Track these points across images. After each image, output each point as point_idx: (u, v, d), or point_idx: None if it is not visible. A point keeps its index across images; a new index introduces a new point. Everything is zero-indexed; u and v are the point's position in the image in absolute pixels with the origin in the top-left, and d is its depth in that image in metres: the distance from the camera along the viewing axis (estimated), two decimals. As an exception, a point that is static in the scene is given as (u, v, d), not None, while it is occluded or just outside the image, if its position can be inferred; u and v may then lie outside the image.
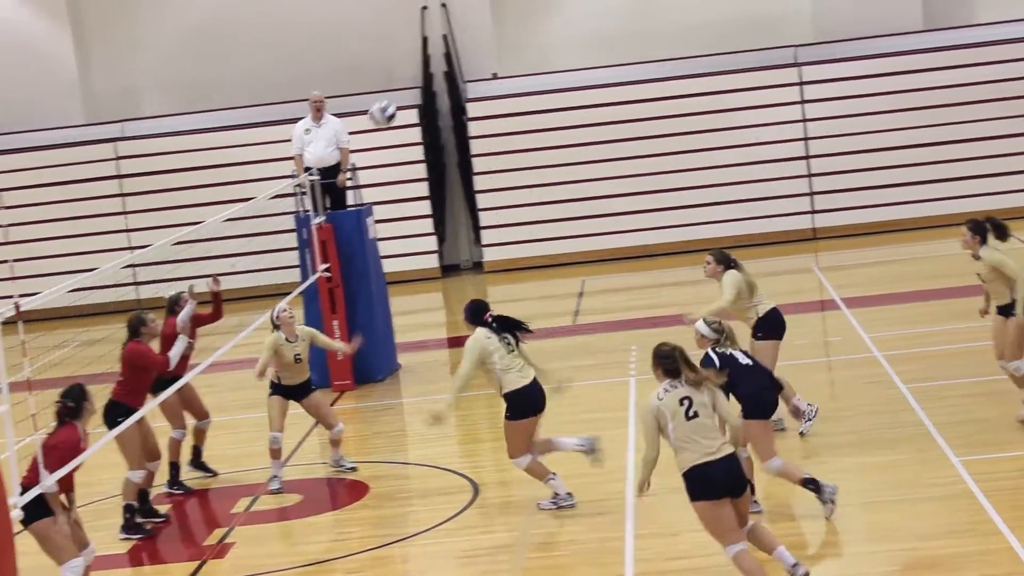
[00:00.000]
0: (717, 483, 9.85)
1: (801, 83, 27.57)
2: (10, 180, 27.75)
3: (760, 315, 14.11)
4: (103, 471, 14.54)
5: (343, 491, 14.14)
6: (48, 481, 10.19)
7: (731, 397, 11.20)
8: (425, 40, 28.56)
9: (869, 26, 27.61)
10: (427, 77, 28.55)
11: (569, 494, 12.78)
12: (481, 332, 12.78)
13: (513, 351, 12.80)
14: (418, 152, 28.11)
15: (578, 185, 27.86)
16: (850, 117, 27.41)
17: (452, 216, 29.13)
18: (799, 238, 27.58)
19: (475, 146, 28.06)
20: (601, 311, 23.23)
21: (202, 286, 14.46)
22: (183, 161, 28.14)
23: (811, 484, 11.68)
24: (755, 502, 11.71)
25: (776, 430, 13.26)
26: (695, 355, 10.65)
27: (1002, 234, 13.73)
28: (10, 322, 9.70)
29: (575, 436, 13.08)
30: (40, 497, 10.24)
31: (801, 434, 14.09)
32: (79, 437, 10.66)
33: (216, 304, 14.86)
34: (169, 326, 14.10)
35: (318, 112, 19.54)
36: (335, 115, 19.93)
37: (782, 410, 12.89)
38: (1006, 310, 13.63)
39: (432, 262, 28.33)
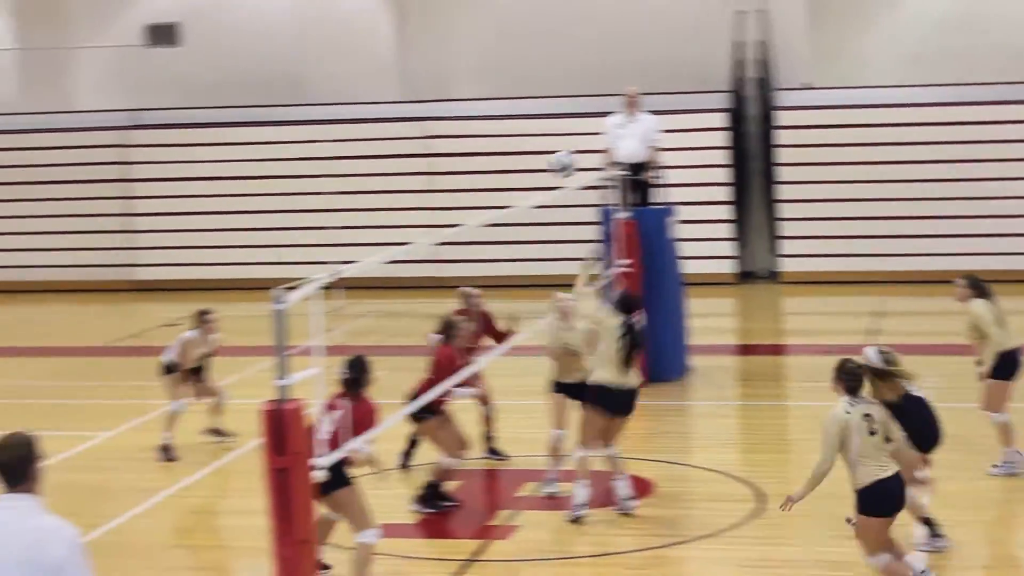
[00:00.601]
0: (895, 499, 10.24)
1: None
2: (329, 149, 28.53)
3: (1001, 351, 13.68)
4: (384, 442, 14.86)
5: (631, 487, 14.11)
6: (352, 445, 10.40)
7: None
8: (740, 44, 28.38)
9: None
10: (739, 82, 28.38)
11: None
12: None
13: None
14: (724, 156, 27.98)
15: (884, 203, 27.35)
16: None
17: (752, 223, 28.90)
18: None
19: (782, 155, 27.78)
20: (901, 333, 22.72)
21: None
22: (490, 145, 28.53)
23: (929, 524, 11.79)
24: (940, 536, 11.83)
25: None
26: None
27: None
28: (328, 288, 9.95)
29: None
30: (340, 465, 10.45)
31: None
32: (372, 408, 10.82)
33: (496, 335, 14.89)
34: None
35: (632, 108, 19.59)
36: (647, 112, 19.94)
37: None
38: None
39: (728, 267, 28.15)
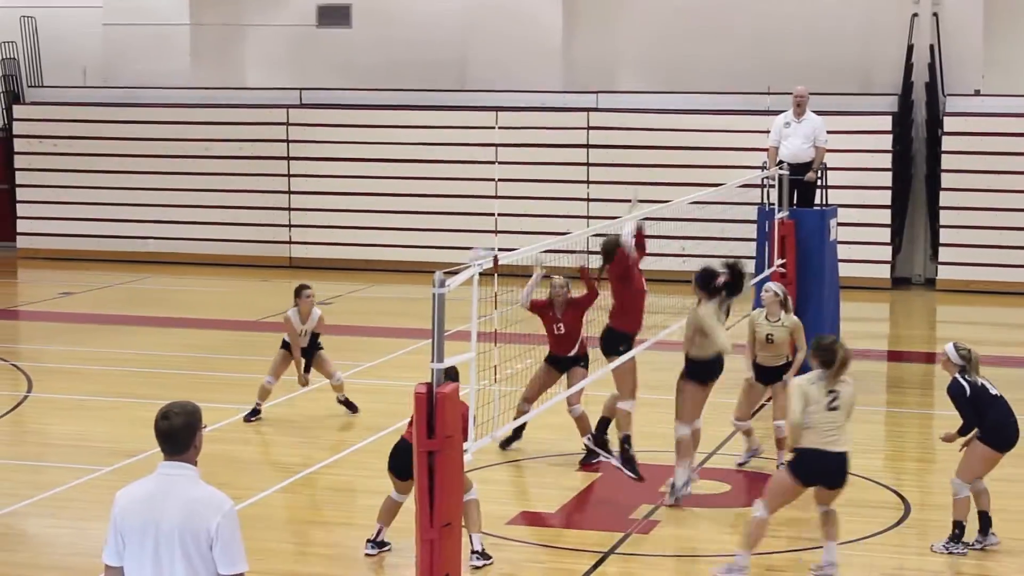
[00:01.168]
0: (826, 471, 11.02)
1: None
2: (490, 136, 28.71)
3: None
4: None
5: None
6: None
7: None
8: (911, 48, 28.03)
9: None
10: (907, 86, 28.03)
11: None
12: None
13: None
14: (887, 160, 27.66)
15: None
16: None
17: (911, 228, 28.56)
18: None
19: (947, 161, 27.40)
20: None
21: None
22: (651, 139, 28.50)
23: (986, 519, 12.14)
24: (992, 534, 12.19)
25: None
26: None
27: None
28: (487, 274, 10.06)
29: None
30: None
31: None
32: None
33: (588, 284, 14.83)
34: (535, 304, 14.81)
35: (799, 107, 19.49)
36: (814, 113, 19.83)
37: None
38: None
39: (884, 272, 27.85)
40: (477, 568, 11.36)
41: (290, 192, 30.54)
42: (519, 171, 28.49)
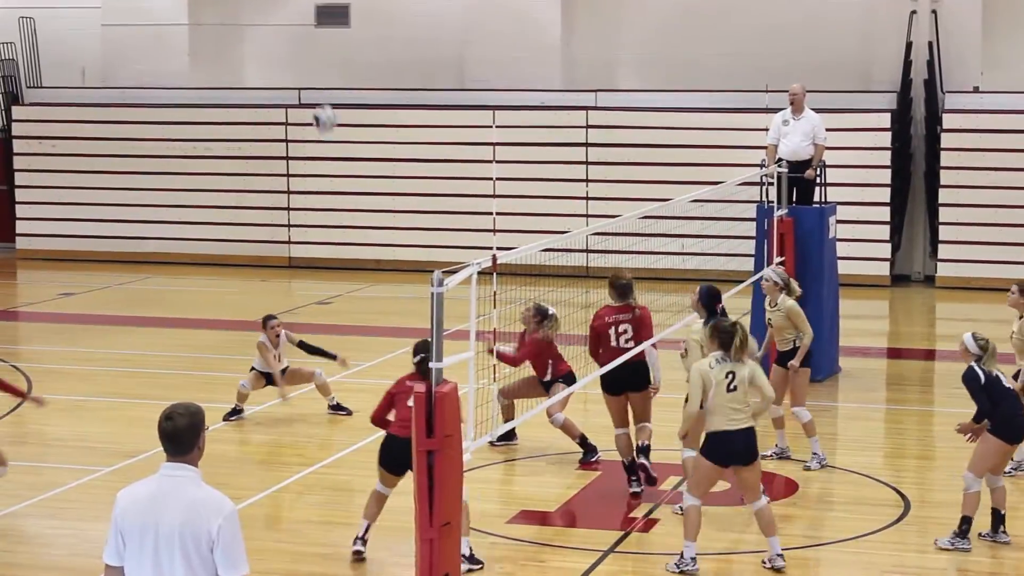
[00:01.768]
0: (735, 451, 11.31)
1: None
2: (489, 135, 28.72)
3: None
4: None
5: (773, 487, 14.09)
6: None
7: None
8: (909, 45, 28.02)
9: None
10: (906, 83, 28.03)
11: None
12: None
13: None
14: (886, 157, 27.66)
15: (1048, 211, 26.90)
16: None
17: (910, 226, 28.57)
18: None
19: (946, 158, 27.40)
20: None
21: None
22: (650, 137, 28.50)
23: (998, 516, 12.28)
24: (1003, 532, 12.28)
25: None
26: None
27: None
28: (485, 272, 10.06)
29: None
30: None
31: None
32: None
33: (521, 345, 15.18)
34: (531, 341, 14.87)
35: (797, 105, 19.48)
36: (812, 110, 19.82)
37: None
38: None
39: (883, 269, 27.85)
40: (467, 573, 11.34)
41: (289, 192, 30.55)
42: (518, 170, 28.49)
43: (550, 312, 14.86)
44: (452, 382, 9.18)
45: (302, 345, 16.87)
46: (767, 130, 19.88)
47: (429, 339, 10.82)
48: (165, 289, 27.74)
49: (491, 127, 27.33)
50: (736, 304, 15.94)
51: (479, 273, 9.78)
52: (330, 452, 15.49)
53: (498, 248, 10.56)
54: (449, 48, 30.51)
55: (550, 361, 14.93)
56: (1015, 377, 13.69)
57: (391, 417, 11.85)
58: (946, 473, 14.69)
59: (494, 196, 26.61)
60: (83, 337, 22.30)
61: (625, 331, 13.59)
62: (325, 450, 15.62)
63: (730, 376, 11.31)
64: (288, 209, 30.53)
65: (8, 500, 13.68)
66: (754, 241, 19.52)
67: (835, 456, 15.47)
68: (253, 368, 16.81)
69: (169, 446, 6.48)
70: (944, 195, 27.50)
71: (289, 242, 30.56)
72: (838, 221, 20.21)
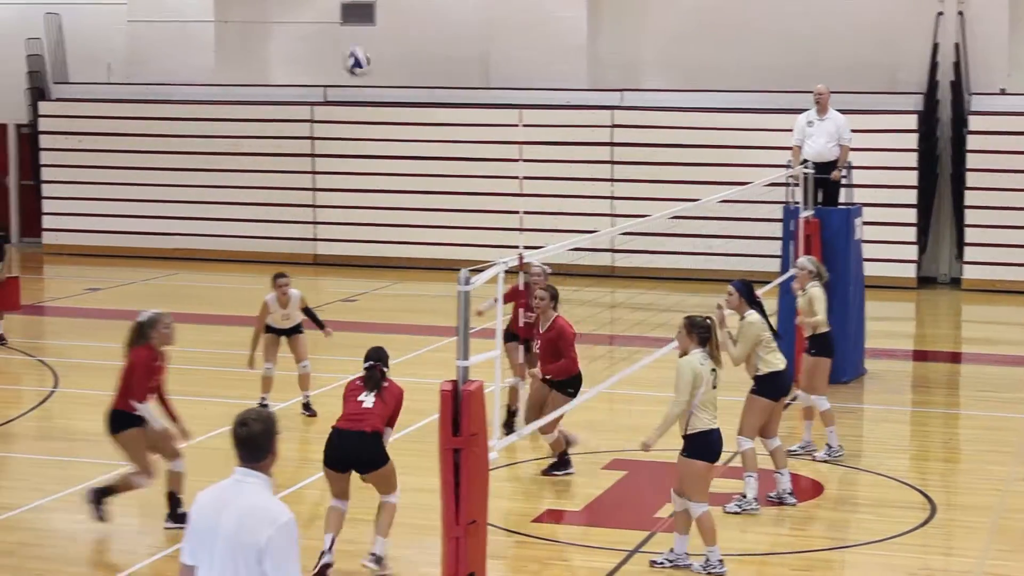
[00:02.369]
0: (718, 449, 11.44)
1: None
2: (513, 134, 28.72)
3: None
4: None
5: (800, 488, 14.06)
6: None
7: None
8: (935, 47, 27.95)
9: None
10: (932, 84, 27.95)
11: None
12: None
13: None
14: (912, 159, 27.57)
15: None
16: None
17: (937, 228, 28.48)
18: None
19: (972, 160, 27.31)
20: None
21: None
22: (676, 137, 28.45)
23: None
24: None
25: None
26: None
27: None
28: (511, 271, 10.08)
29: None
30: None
31: None
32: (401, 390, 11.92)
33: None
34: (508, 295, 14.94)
35: (821, 106, 19.44)
36: (837, 111, 19.78)
37: None
38: None
39: (909, 271, 27.75)
40: (366, 567, 11.36)
41: (315, 189, 30.59)
42: (543, 169, 28.48)
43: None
44: (479, 380, 9.19)
45: (306, 310, 16.98)
46: (792, 131, 19.85)
47: (381, 347, 11.13)
48: (191, 285, 27.79)
49: (517, 126, 27.34)
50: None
51: (506, 272, 9.80)
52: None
53: (524, 247, 10.58)
54: (474, 46, 30.51)
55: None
56: None
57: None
58: (972, 476, 14.67)
59: (520, 195, 26.60)
60: (109, 332, 22.31)
61: None
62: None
63: (713, 373, 11.44)
64: (314, 206, 30.58)
65: (35, 494, 13.75)
66: (780, 242, 19.48)
67: (860, 458, 15.46)
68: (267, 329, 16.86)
69: (243, 452, 6.42)
70: (970, 197, 27.41)
71: (315, 239, 30.61)
72: (864, 223, 20.17)
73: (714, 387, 11.40)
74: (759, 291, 15.01)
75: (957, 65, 27.78)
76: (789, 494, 13.54)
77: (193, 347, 21.06)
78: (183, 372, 19.24)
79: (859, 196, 21.20)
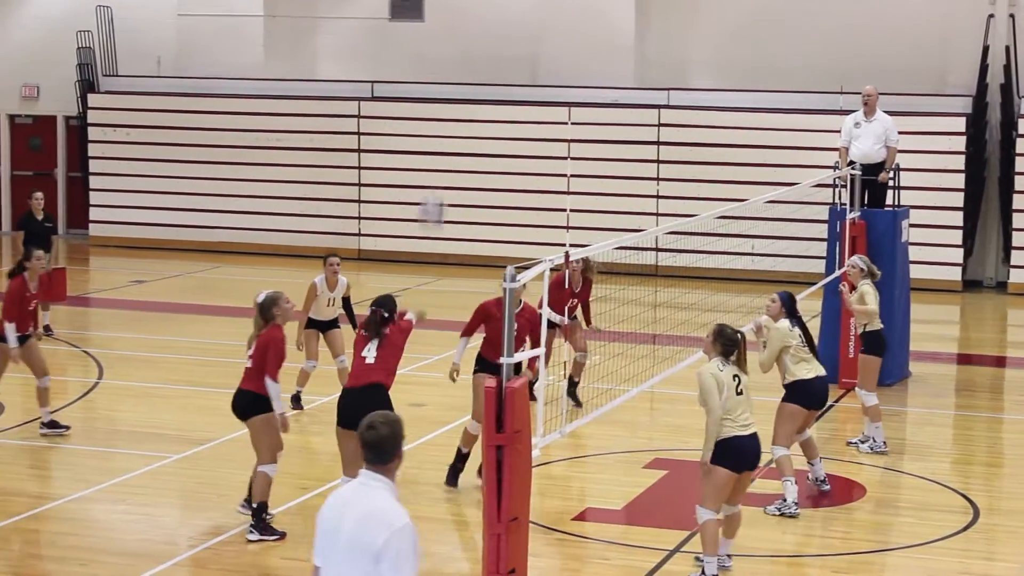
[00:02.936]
0: (746, 456, 11.10)
1: None
2: (560, 132, 28.70)
3: None
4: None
5: (842, 490, 14.02)
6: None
7: None
8: (986, 49, 27.79)
9: None
10: (982, 87, 27.79)
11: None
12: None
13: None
14: (960, 161, 27.42)
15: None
16: None
17: (983, 231, 28.32)
18: None
19: (1021, 164, 27.14)
20: None
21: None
22: (722, 137, 28.38)
23: None
24: None
25: None
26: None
27: None
28: (556, 269, 10.08)
29: None
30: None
31: None
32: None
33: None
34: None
35: (869, 107, 19.37)
36: (885, 113, 19.70)
37: None
38: None
39: (955, 274, 27.60)
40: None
41: (360, 184, 30.66)
42: (590, 167, 28.46)
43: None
44: (523, 377, 9.19)
45: (346, 301, 16.97)
46: (840, 132, 19.79)
47: (390, 295, 11.35)
48: (236, 278, 27.90)
49: (565, 124, 27.36)
50: (807, 306, 15.86)
51: (551, 270, 9.79)
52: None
53: (571, 245, 10.57)
54: (522, 44, 30.50)
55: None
56: None
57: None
58: (1015, 481, 14.58)
59: (567, 193, 26.60)
60: (154, 324, 22.48)
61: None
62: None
63: (736, 379, 11.21)
64: (359, 201, 30.65)
65: (78, 485, 13.83)
66: (826, 243, 19.41)
67: (903, 461, 15.39)
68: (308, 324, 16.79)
69: (369, 455, 6.42)
70: (1018, 200, 27.25)
71: (359, 234, 30.67)
72: (911, 225, 20.08)
73: (739, 393, 11.15)
74: (804, 292, 15.04)
75: (1007, 68, 27.61)
76: (822, 481, 13.77)
77: (237, 340, 21.12)
78: (226, 365, 19.32)
79: (906, 198, 21.09)
